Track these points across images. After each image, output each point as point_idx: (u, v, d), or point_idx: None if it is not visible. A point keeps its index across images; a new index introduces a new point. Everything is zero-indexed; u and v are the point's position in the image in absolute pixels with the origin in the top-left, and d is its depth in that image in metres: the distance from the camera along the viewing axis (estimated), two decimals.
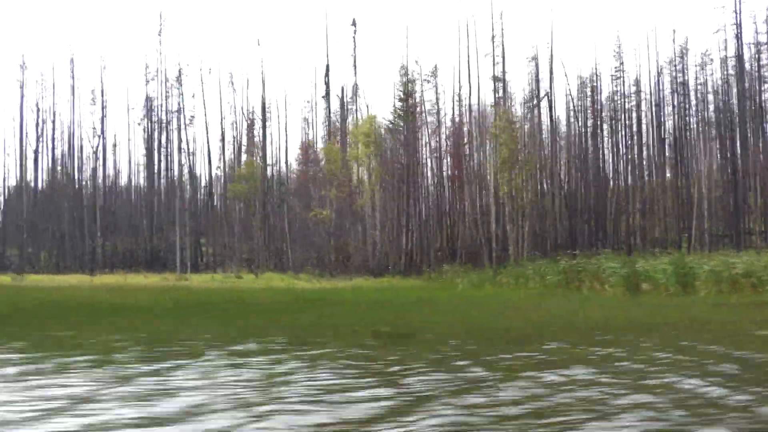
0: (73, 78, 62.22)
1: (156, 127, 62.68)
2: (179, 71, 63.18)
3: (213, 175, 64.29)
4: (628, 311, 14.58)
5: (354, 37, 60.71)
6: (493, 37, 45.96)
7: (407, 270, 36.31)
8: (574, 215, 40.26)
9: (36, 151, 63.06)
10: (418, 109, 45.90)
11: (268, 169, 55.69)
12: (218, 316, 14.28)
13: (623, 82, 52.34)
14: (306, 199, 47.64)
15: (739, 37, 46.53)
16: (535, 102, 48.77)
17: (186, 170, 63.66)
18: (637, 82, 51.42)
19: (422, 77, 49.95)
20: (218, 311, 15.73)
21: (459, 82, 55.36)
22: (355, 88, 59.86)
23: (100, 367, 7.69)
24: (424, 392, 6.11)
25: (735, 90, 46.22)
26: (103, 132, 62.32)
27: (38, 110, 62.30)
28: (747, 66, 47.22)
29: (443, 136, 44.41)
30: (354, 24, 61.83)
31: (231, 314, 14.86)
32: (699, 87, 50.43)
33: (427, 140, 43.90)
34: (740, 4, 45.81)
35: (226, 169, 62.75)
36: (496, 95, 45.09)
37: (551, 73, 48.04)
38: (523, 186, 35.07)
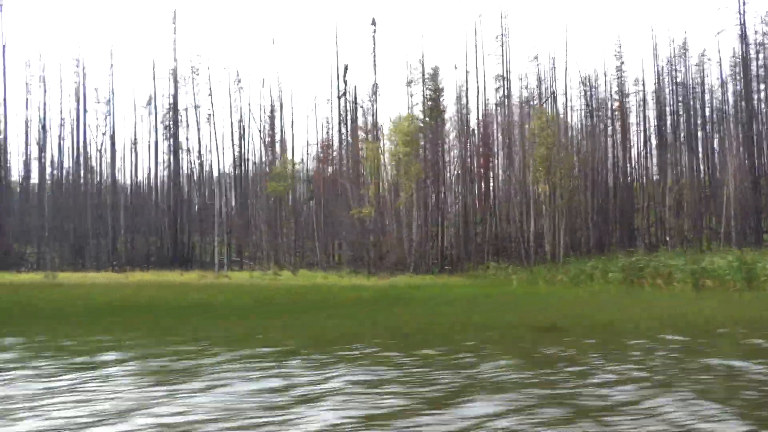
0: (82, 76, 61.93)
1: (171, 125, 62.66)
2: (196, 69, 62.91)
3: (228, 173, 64.52)
4: (717, 306, 15.02)
5: (374, 36, 61.31)
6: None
7: (443, 267, 36.77)
8: (605, 213, 40.78)
9: (41, 150, 63.00)
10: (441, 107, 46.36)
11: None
12: (330, 313, 14.53)
13: (640, 82, 52.80)
14: (328, 197, 48.10)
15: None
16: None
17: (205, 168, 64.11)
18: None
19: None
20: (313, 309, 15.88)
21: (467, 81, 55.88)
22: (375, 87, 60.40)
23: (286, 358, 7.89)
24: (654, 377, 6.53)
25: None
26: (112, 129, 62.14)
27: (45, 106, 61.69)
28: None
29: (468, 135, 44.84)
30: (374, 23, 62.34)
31: (332, 312, 15.13)
32: (712, 88, 50.88)
33: (454, 139, 44.27)
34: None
35: (243, 167, 62.93)
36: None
37: (565, 71, 48.82)
38: (559, 184, 35.60)
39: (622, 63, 52.29)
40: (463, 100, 50.71)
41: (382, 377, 6.56)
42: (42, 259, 57.51)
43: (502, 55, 50.76)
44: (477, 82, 46.62)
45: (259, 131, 60.37)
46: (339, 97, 62.61)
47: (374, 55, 61.96)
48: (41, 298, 19.30)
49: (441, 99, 44.23)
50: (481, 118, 47.72)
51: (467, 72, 49.04)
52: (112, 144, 62.29)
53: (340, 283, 30.87)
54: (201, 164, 62.88)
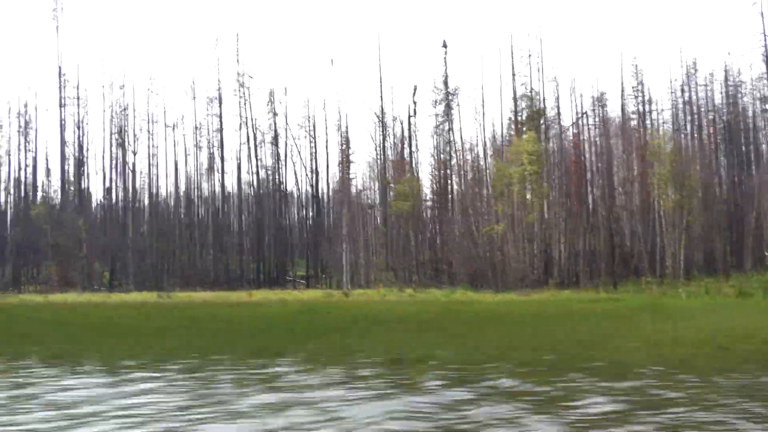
0: (122, 93, 62.74)
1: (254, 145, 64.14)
2: (270, 93, 64.76)
3: (319, 190, 66.01)
4: None
5: (445, 59, 62.75)
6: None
7: (567, 283, 37.63)
8: (719, 229, 41.73)
9: (83, 168, 64.15)
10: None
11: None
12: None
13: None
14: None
15: None
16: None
17: (275, 185, 65.62)
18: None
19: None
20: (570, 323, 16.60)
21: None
22: (447, 108, 61.80)
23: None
24: None
25: None
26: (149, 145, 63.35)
27: (81, 126, 62.14)
28: None
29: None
30: (445, 45, 63.85)
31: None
32: None
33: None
34: None
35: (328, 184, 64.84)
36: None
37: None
38: (684, 202, 36.69)
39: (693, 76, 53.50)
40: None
41: None
42: (127, 278, 58.32)
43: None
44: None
45: (341, 149, 61.65)
46: (413, 116, 64.40)
47: (446, 76, 63.53)
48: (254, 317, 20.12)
49: (541, 119, 45.32)
50: (570, 134, 48.95)
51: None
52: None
53: (494, 299, 31.05)
54: (273, 181, 64.38)
